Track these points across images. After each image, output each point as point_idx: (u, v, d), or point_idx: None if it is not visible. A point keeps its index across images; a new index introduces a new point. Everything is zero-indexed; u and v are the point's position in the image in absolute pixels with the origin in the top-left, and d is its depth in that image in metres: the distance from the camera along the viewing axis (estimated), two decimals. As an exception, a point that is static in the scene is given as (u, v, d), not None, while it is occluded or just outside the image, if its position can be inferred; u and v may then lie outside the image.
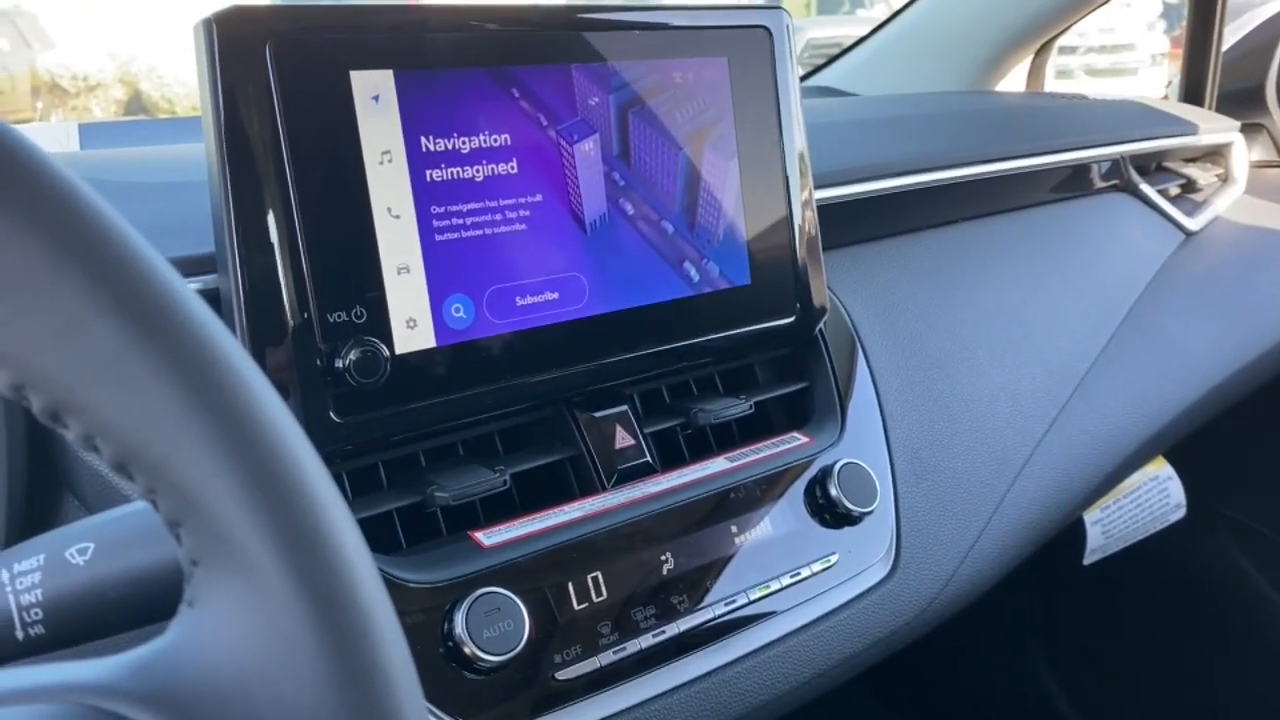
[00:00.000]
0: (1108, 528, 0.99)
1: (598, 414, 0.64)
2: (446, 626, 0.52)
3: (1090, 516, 0.97)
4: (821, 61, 1.53)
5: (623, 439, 0.65)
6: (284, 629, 0.25)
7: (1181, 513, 1.05)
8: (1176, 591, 1.27)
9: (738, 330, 0.68)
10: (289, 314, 0.52)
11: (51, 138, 0.98)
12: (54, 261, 0.24)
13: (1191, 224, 1.15)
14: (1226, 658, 1.23)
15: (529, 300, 0.60)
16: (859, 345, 0.78)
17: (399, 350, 0.55)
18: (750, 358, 0.74)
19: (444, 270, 0.56)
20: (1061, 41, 1.42)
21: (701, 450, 0.69)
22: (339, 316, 0.53)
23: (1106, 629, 1.31)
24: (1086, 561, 1.00)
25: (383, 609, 0.26)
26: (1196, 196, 1.21)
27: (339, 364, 0.53)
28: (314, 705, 0.25)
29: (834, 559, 0.66)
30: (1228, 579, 1.24)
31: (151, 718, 0.25)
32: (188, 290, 0.26)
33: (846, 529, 0.67)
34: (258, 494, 0.25)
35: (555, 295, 0.61)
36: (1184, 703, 1.27)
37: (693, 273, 0.66)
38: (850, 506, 0.66)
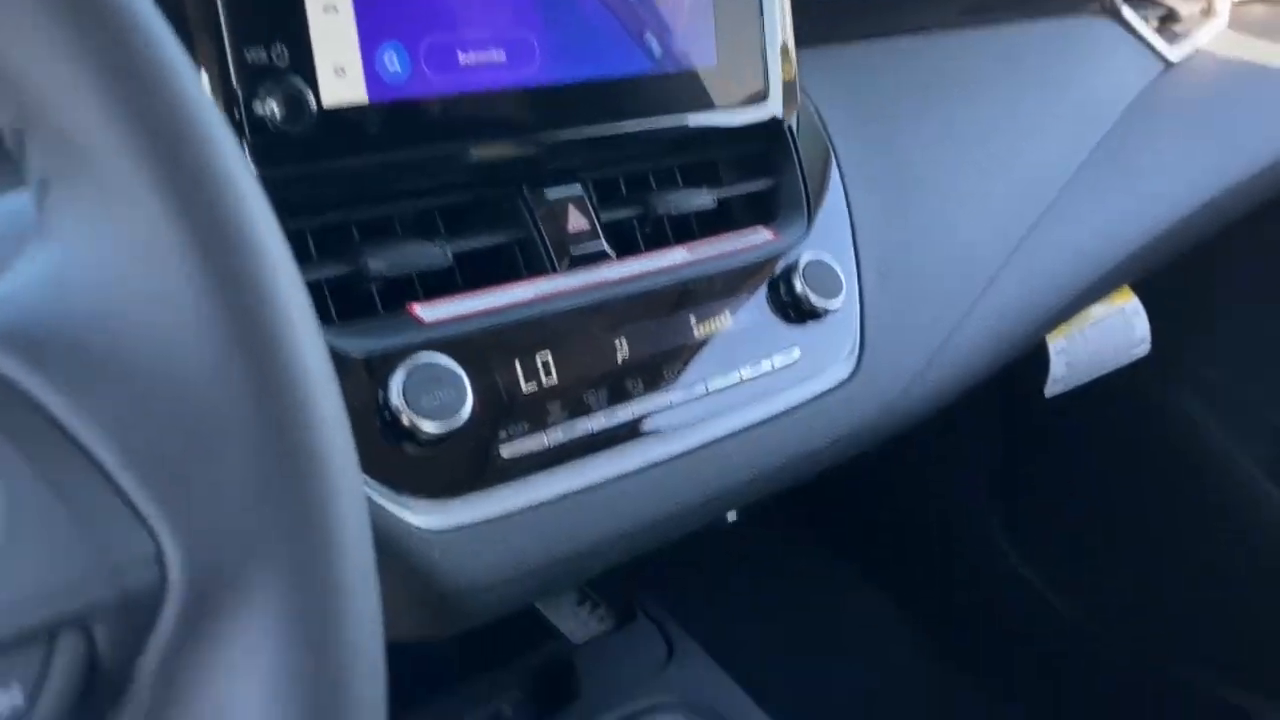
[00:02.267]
0: (1072, 357, 0.97)
1: (549, 193, 0.59)
2: (383, 396, 0.48)
3: (1055, 345, 0.96)
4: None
5: (576, 222, 0.60)
6: (152, 254, 0.21)
7: (1146, 348, 1.04)
8: (1138, 451, 1.27)
9: (701, 113, 0.63)
10: (200, 47, 0.46)
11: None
12: None
13: (1172, 54, 1.10)
14: (1189, 520, 1.23)
15: (472, 58, 0.54)
16: (830, 147, 0.74)
17: (326, 101, 0.50)
18: (714, 153, 0.70)
19: (375, 13, 0.51)
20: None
21: (660, 246, 0.65)
22: (258, 55, 0.48)
23: (1066, 489, 1.31)
24: (1048, 393, 0.99)
25: (270, 233, 0.22)
26: (1178, 28, 1.17)
27: (258, 109, 0.47)
28: (193, 340, 0.21)
29: (796, 354, 0.63)
30: (1191, 438, 1.23)
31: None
32: None
33: (810, 325, 0.64)
34: (117, 87, 0.20)
35: (501, 56, 0.55)
36: (1141, 563, 1.28)
37: (654, 45, 0.61)
38: (815, 302, 0.63)
